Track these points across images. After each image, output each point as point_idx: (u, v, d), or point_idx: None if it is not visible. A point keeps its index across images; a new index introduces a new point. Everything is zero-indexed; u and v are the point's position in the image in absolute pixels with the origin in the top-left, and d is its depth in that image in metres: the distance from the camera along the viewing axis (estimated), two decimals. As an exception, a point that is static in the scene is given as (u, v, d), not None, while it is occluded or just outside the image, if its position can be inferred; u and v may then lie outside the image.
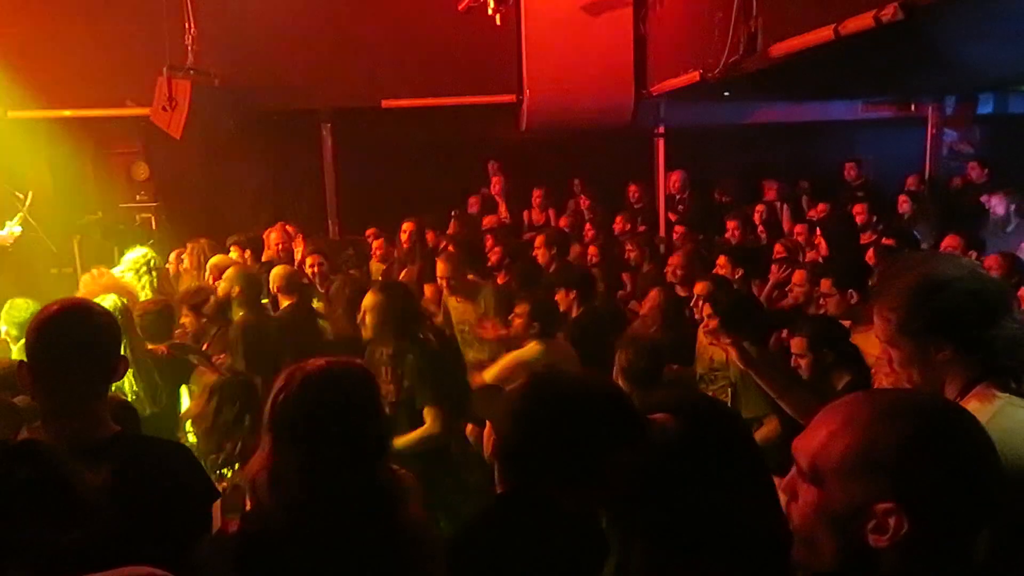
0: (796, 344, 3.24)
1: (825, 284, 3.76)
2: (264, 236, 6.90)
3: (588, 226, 7.10)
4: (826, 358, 3.17)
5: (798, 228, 5.99)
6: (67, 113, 7.98)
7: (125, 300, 3.66)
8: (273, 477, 1.76)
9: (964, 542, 1.13)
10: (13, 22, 7.70)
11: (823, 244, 5.28)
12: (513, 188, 8.63)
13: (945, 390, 1.73)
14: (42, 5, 7.76)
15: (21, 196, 6.91)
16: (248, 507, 1.88)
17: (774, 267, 5.13)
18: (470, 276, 4.98)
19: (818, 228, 5.60)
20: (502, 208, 8.50)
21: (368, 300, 3.76)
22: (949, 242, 4.99)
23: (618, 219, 7.23)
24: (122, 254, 5.61)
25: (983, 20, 4.43)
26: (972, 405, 1.64)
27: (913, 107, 9.27)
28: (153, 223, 8.52)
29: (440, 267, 4.86)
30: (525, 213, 8.62)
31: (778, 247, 5.45)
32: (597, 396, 1.65)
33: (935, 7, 3.82)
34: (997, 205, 6.64)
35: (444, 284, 4.86)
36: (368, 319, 3.72)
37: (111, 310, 3.32)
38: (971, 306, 1.67)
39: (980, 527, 1.14)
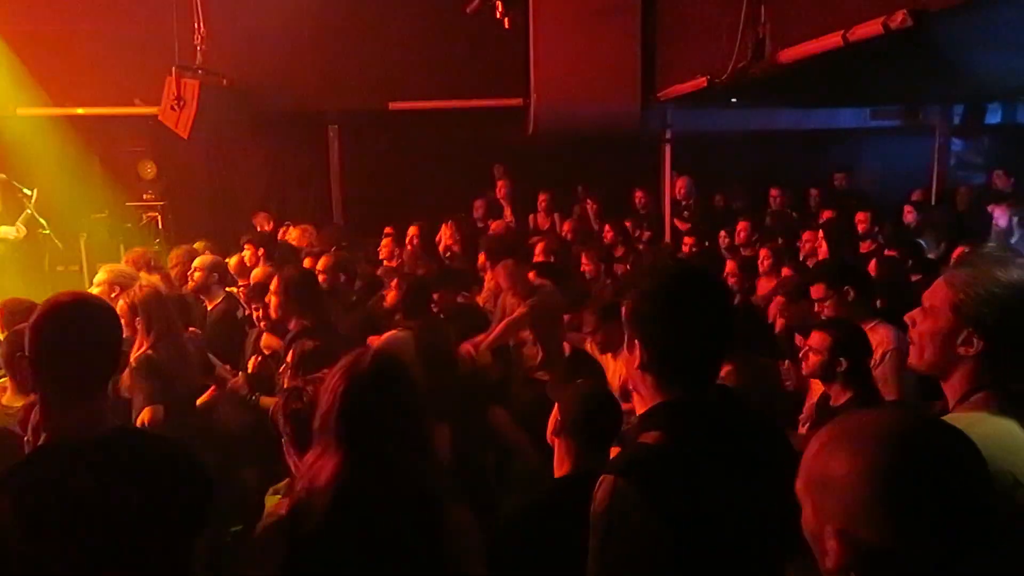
0: (817, 338, 3.09)
1: (818, 290, 3.70)
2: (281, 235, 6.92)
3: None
4: (838, 366, 3.02)
5: (806, 235, 5.96)
6: (76, 111, 8.02)
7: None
8: (330, 475, 1.77)
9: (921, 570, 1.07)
10: (24, 20, 7.75)
11: (824, 247, 5.26)
12: (519, 192, 8.63)
13: (949, 380, 1.71)
14: (53, 4, 7.80)
15: (28, 193, 6.94)
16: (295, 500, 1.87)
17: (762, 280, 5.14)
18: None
19: (820, 231, 5.57)
20: (507, 212, 8.50)
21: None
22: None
23: (607, 228, 7.20)
24: (126, 252, 5.64)
25: (992, 28, 4.42)
26: (968, 414, 1.63)
27: (921, 116, 9.24)
28: (160, 222, 8.54)
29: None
30: (530, 217, 8.61)
31: (763, 252, 5.42)
32: None
33: (944, 14, 3.81)
34: (999, 217, 6.60)
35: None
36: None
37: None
38: None
39: (942, 559, 1.06)
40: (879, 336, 3.41)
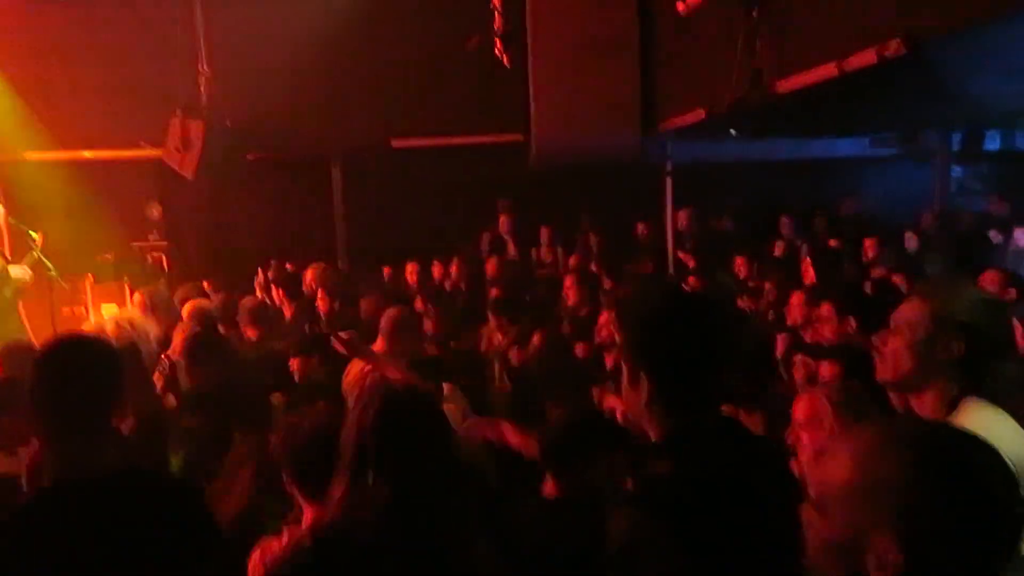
0: (827, 370, 3.03)
1: (827, 309, 3.70)
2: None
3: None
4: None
5: (805, 263, 5.95)
6: (82, 154, 8.11)
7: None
8: (362, 502, 1.74)
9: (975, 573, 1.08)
10: (30, 65, 7.89)
11: (811, 273, 5.24)
12: (521, 226, 8.67)
13: (925, 393, 1.81)
14: (59, 48, 7.95)
15: (34, 236, 6.99)
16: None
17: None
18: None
19: (807, 257, 5.57)
20: (510, 247, 8.53)
21: None
22: (987, 279, 4.63)
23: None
24: (134, 293, 5.64)
25: (987, 54, 4.45)
26: (980, 413, 1.73)
27: (920, 143, 9.29)
28: (165, 262, 8.59)
29: None
30: (533, 251, 8.64)
31: (768, 286, 5.41)
32: None
33: (939, 42, 3.85)
34: (1020, 237, 6.63)
35: None
36: None
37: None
38: (1006, 332, 1.86)
39: (989, 560, 1.09)
40: None
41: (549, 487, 2.44)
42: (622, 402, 3.65)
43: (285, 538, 2.02)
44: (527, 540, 2.27)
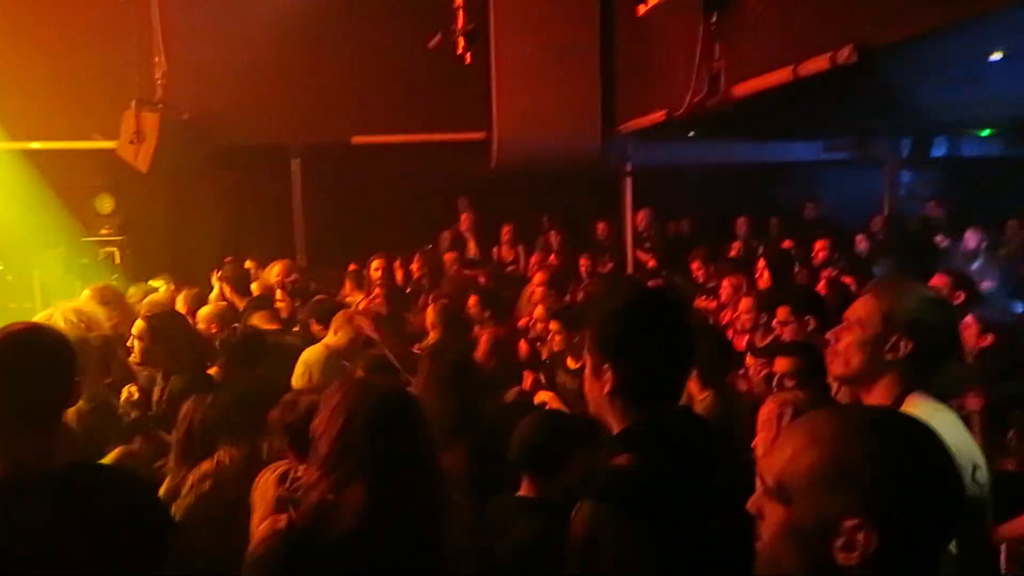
0: (784, 363, 3.07)
1: (782, 312, 3.77)
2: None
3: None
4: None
5: (761, 263, 6.07)
6: (33, 145, 7.89)
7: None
8: (339, 493, 1.78)
9: (931, 555, 1.13)
10: (-23, 54, 7.65)
11: (766, 275, 5.36)
12: (482, 225, 8.68)
13: (874, 389, 1.86)
14: (9, 37, 7.71)
15: (-19, 229, 6.80)
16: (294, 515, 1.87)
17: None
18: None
19: (762, 259, 5.69)
20: (471, 245, 8.54)
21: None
22: (936, 282, 4.80)
23: (582, 260, 7.29)
24: (84, 288, 5.51)
25: (936, 64, 4.60)
26: (922, 407, 1.77)
27: (870, 149, 9.55)
28: (117, 257, 8.41)
29: None
30: (494, 250, 8.66)
31: (725, 283, 5.52)
32: None
33: (889, 50, 3.97)
34: (970, 239, 6.84)
35: None
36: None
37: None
38: (953, 332, 1.91)
39: (946, 540, 1.15)
40: None
41: (525, 488, 2.47)
42: (554, 397, 3.78)
43: (281, 469, 2.14)
44: (504, 540, 2.29)
